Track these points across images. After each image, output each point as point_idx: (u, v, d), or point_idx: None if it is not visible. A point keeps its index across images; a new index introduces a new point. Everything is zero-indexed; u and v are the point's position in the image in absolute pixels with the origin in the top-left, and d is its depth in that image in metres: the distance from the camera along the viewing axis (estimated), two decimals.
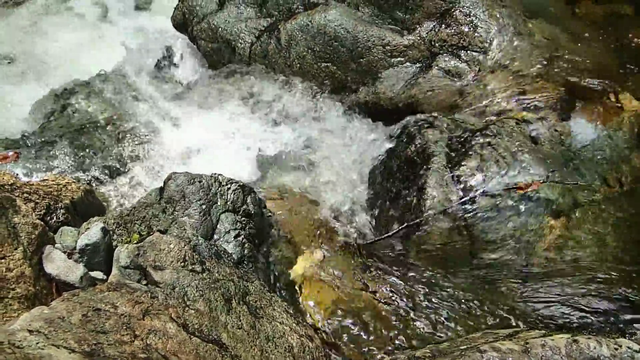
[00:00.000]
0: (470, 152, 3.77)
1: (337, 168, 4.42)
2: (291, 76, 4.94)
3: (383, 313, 3.29)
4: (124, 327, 2.07)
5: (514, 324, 3.19)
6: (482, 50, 4.36)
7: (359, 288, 3.42)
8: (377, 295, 3.39)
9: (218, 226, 3.36)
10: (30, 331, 1.85)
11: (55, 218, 2.97)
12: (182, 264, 2.67)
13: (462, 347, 2.62)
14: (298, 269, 3.53)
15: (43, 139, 4.61)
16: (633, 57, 4.33)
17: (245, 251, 3.32)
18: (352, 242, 3.76)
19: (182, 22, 5.56)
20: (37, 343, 1.79)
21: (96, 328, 2.00)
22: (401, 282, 3.45)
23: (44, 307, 2.04)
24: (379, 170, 4.22)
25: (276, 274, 3.46)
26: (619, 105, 3.96)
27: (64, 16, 6.34)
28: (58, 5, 6.47)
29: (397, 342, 3.18)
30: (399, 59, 4.56)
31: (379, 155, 4.28)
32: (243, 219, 3.46)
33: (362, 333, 3.22)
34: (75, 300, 2.14)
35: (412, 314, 3.28)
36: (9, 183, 2.88)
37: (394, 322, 3.24)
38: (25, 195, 2.87)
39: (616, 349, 2.35)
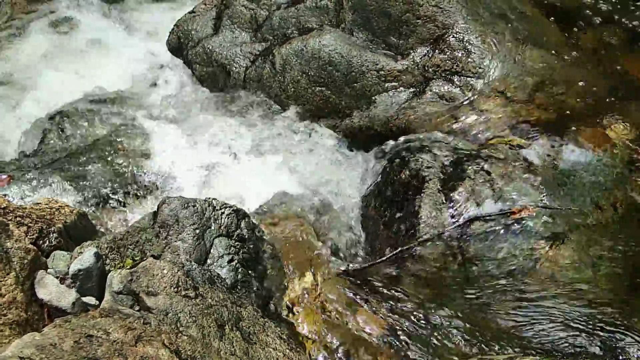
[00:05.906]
0: (463, 177, 3.78)
1: (331, 192, 4.42)
2: (285, 100, 4.96)
3: (376, 339, 3.27)
4: (117, 354, 2.05)
5: (509, 349, 3.17)
6: (476, 75, 4.39)
7: (352, 313, 3.40)
8: (370, 320, 3.37)
9: (212, 251, 3.35)
10: (21, 358, 1.83)
11: (47, 242, 2.94)
12: (175, 289, 2.66)
13: None
14: (292, 294, 3.52)
15: (36, 162, 4.59)
16: (624, 83, 4.37)
17: (239, 276, 3.31)
18: (346, 267, 3.75)
19: (177, 46, 5.60)
20: None
21: (88, 355, 1.98)
22: (395, 308, 3.43)
23: (36, 334, 2.03)
24: (373, 194, 4.22)
25: (270, 299, 3.44)
26: (611, 130, 3.99)
27: (59, 40, 6.36)
28: (54, 30, 6.49)
29: None
30: (392, 83, 4.59)
31: (373, 179, 4.29)
32: (237, 243, 3.45)
33: (354, 359, 3.20)
34: (67, 326, 2.12)
35: (405, 340, 3.26)
36: (2, 207, 2.85)
37: (388, 349, 3.22)
38: (18, 219, 2.85)
39: None
